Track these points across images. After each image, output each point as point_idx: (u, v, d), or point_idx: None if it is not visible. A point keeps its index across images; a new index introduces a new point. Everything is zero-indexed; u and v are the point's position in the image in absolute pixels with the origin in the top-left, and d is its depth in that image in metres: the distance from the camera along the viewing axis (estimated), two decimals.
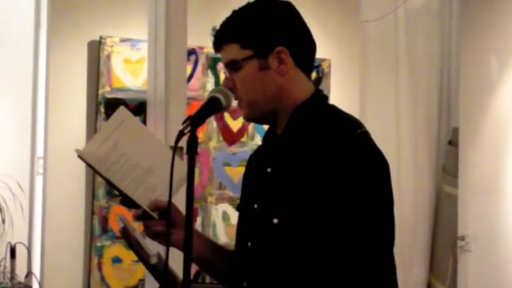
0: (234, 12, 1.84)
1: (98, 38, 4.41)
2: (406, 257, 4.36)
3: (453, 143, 4.55)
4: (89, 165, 1.86)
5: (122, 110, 1.94)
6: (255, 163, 1.91)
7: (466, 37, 4.42)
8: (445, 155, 4.62)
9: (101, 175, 1.88)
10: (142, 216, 1.87)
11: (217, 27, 1.85)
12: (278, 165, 1.80)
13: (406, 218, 4.41)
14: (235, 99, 1.83)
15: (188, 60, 4.58)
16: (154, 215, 1.87)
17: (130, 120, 1.93)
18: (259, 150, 1.94)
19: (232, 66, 1.81)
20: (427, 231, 4.50)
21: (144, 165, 1.90)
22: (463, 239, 4.15)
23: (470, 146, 4.29)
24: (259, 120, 1.89)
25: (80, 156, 1.85)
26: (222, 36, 1.82)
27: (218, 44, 1.83)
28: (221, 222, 4.60)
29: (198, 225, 4.59)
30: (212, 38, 1.84)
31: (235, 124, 4.69)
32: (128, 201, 1.88)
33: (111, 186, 1.91)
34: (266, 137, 1.90)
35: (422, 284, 4.43)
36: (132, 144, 1.90)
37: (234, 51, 1.80)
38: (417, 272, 4.43)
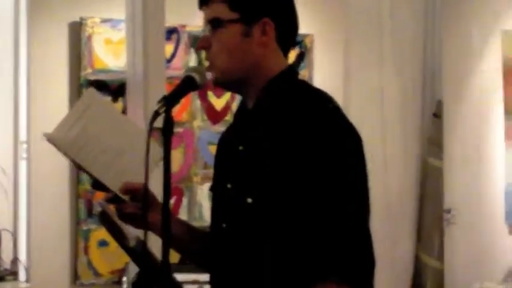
0: None
1: (78, 19, 4.36)
2: (394, 230, 4.35)
3: (438, 115, 4.54)
4: (58, 148, 1.83)
5: (89, 92, 1.91)
6: (226, 141, 1.87)
7: (448, 9, 4.39)
8: (430, 128, 4.61)
9: (70, 159, 1.85)
10: (114, 200, 1.86)
11: None
12: (250, 142, 1.77)
13: (393, 191, 4.40)
14: (206, 59, 1.78)
15: (170, 39, 4.54)
16: (126, 197, 1.84)
17: (99, 102, 1.90)
18: (230, 128, 1.90)
19: (215, 24, 1.76)
20: (414, 204, 4.49)
21: (115, 148, 1.86)
22: (449, 211, 4.15)
23: (454, 118, 4.28)
24: (227, 87, 1.84)
25: (49, 140, 1.82)
26: None
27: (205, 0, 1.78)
28: (207, 202, 4.59)
29: (184, 205, 4.58)
30: None
31: (219, 103, 4.67)
32: (99, 185, 1.86)
33: (81, 170, 1.88)
34: (237, 114, 1.86)
35: (410, 256, 4.43)
36: (102, 127, 1.86)
37: (220, 10, 1.75)
38: (405, 244, 4.43)
